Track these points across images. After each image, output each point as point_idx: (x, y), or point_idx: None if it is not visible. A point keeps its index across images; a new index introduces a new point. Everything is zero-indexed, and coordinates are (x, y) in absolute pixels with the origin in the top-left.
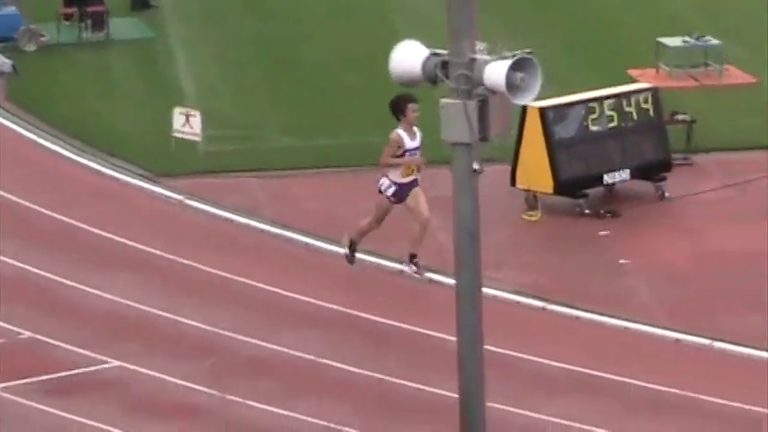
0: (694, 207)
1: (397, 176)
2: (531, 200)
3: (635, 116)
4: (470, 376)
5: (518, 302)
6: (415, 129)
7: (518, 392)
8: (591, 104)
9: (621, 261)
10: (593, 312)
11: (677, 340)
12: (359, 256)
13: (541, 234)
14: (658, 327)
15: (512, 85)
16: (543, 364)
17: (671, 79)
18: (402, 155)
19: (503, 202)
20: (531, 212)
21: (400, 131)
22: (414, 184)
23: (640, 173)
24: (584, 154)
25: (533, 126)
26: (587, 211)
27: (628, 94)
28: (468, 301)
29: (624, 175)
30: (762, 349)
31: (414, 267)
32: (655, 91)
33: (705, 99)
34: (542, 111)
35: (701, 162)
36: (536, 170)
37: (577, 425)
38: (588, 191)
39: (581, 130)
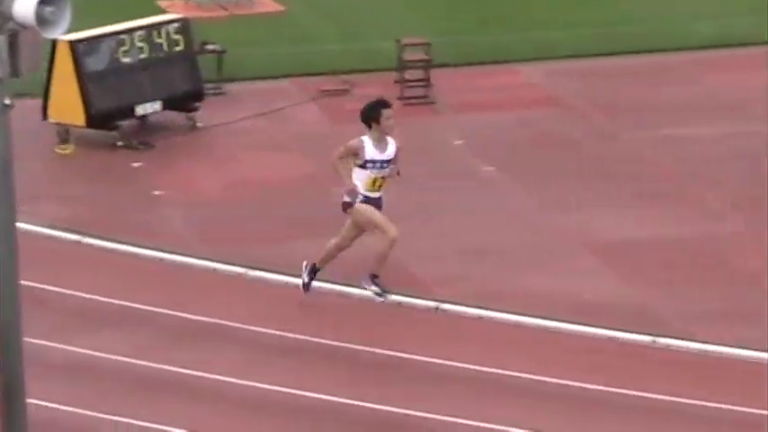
0: (227, 136)
1: (363, 189)
2: (64, 133)
3: (166, 47)
4: (7, 312)
5: (53, 236)
6: (388, 139)
7: (58, 327)
8: (121, 37)
9: (156, 192)
10: (128, 244)
11: (215, 269)
12: None
13: (75, 167)
14: (195, 257)
15: (41, 19)
16: (82, 297)
17: (200, 10)
18: (363, 165)
19: (35, 136)
20: (63, 146)
21: (365, 139)
22: (381, 201)
23: (172, 103)
24: (116, 86)
25: (64, 59)
26: (120, 144)
27: (158, 26)
28: (1, 236)
29: (156, 106)
30: (290, 275)
31: (375, 288)
32: (185, 21)
33: (235, 28)
34: (72, 44)
35: (233, 91)
36: (68, 103)
37: (121, 359)
38: (121, 123)
39: (112, 63)
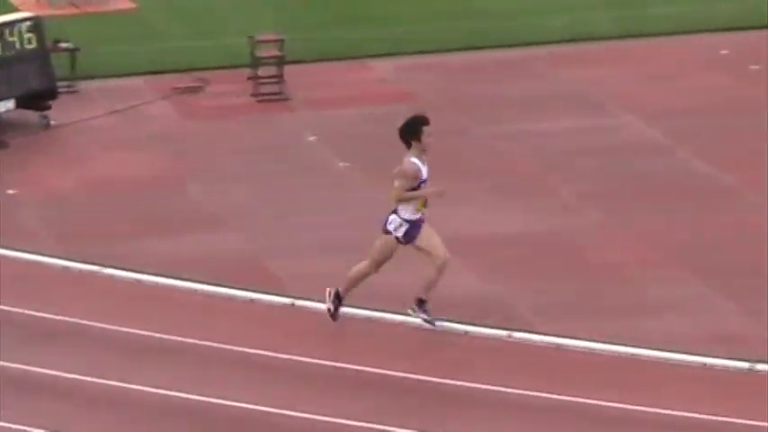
0: (81, 135)
1: (409, 212)
2: None
3: (18, 45)
4: None
5: None
6: (423, 156)
7: None
8: None
9: (9, 191)
10: None
11: (66, 267)
12: None
13: None
14: (49, 255)
15: None
16: None
17: (52, 8)
18: (417, 187)
19: None
20: None
21: (415, 160)
22: (422, 220)
23: (25, 102)
24: None
25: None
26: None
27: (10, 24)
28: None
29: (9, 104)
30: (144, 272)
31: (424, 315)
32: (37, 20)
33: (88, 26)
34: None
35: (86, 89)
36: None
37: None
38: None
39: None
